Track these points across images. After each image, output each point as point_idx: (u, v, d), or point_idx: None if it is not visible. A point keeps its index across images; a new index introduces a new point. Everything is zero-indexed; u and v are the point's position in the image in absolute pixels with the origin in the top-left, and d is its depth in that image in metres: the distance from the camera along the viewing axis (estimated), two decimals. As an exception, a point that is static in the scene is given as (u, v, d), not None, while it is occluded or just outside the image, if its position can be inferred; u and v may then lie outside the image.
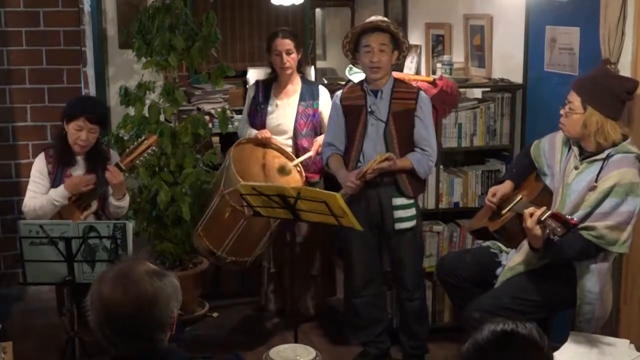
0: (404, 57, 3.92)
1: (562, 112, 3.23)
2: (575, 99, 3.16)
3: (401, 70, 4.89)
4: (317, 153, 4.29)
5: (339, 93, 3.95)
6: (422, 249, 4.06)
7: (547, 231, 2.93)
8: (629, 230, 3.05)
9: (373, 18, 3.86)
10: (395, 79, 3.85)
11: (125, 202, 3.81)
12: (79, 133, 3.70)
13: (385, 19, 3.84)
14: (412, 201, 3.82)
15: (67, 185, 3.68)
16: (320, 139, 4.31)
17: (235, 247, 4.02)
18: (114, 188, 3.71)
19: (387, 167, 3.67)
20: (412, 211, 3.82)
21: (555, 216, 2.89)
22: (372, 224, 3.82)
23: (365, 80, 3.84)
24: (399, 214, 3.79)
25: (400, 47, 3.78)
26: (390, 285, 4.21)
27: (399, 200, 3.79)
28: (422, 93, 3.81)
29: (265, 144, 4.31)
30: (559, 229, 2.86)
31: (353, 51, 3.82)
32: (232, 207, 3.90)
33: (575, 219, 2.88)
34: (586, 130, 3.14)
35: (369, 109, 3.78)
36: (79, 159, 3.79)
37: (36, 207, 3.68)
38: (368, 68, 3.74)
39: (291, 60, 4.33)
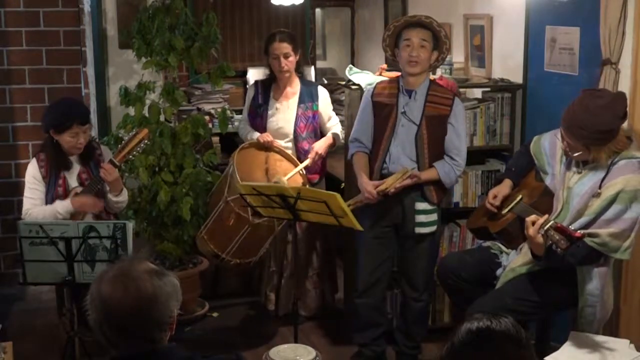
0: (443, 60, 3.80)
1: (563, 147, 3.19)
2: (572, 141, 3.10)
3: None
4: (313, 161, 4.28)
5: (370, 88, 3.84)
6: (437, 254, 3.99)
7: (550, 242, 2.92)
8: (632, 237, 3.04)
9: (415, 14, 3.80)
10: (432, 81, 3.75)
11: (123, 196, 3.81)
12: (76, 139, 3.68)
13: (430, 16, 3.75)
14: (434, 207, 3.77)
15: (74, 202, 3.65)
16: (316, 146, 4.32)
17: (239, 250, 4.03)
18: (110, 185, 3.70)
19: (411, 183, 3.62)
20: (434, 216, 3.77)
21: (558, 229, 2.86)
22: (390, 224, 3.77)
23: (402, 77, 3.76)
24: (420, 218, 3.73)
25: (440, 48, 3.69)
26: (392, 286, 4.17)
27: (422, 205, 3.72)
28: (457, 99, 3.72)
29: (267, 147, 4.31)
30: (562, 242, 2.84)
31: (392, 46, 3.74)
32: (237, 213, 3.90)
33: (579, 232, 2.85)
34: (598, 159, 3.12)
35: (402, 110, 3.68)
36: (73, 159, 3.79)
37: (38, 217, 3.64)
38: (406, 62, 3.63)
39: (289, 63, 4.33)
